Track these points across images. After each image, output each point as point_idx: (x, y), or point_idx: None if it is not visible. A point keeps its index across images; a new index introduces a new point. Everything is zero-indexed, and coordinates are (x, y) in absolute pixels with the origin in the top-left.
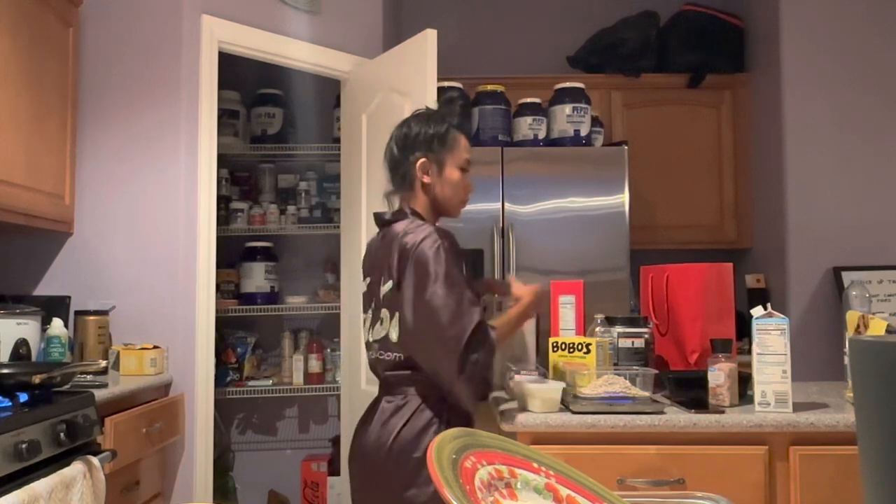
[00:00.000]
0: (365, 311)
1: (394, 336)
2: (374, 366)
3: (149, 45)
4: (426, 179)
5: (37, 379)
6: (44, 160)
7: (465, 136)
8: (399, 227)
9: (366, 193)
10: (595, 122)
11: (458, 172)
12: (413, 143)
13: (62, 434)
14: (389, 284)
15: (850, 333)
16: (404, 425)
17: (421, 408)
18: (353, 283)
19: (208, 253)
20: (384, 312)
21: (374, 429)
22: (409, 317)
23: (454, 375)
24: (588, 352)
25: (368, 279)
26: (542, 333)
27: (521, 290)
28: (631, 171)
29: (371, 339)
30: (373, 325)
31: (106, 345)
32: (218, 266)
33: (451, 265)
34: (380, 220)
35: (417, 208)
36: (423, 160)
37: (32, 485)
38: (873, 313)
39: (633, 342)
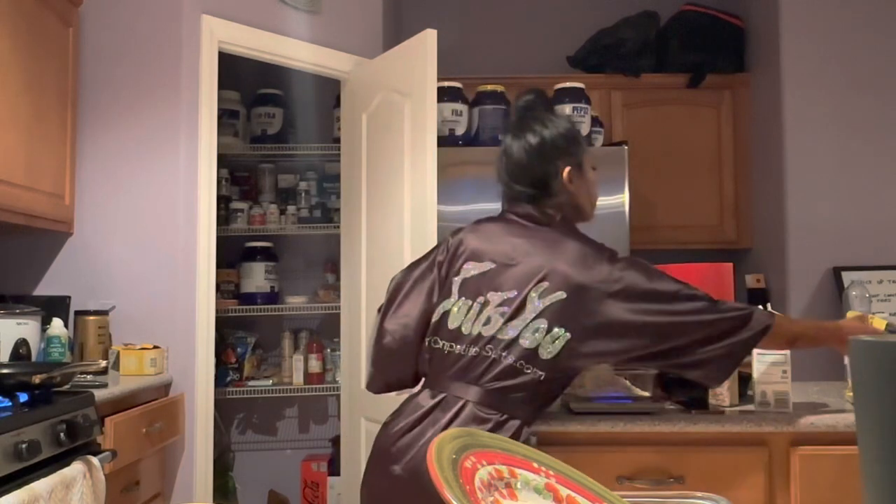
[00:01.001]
0: (468, 298)
1: (546, 352)
2: (472, 365)
3: (149, 45)
4: (572, 188)
5: (37, 379)
6: (44, 160)
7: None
8: (565, 235)
9: (366, 193)
10: (595, 122)
11: (592, 172)
12: (552, 151)
13: (62, 434)
14: (559, 296)
15: None
16: None
17: (518, 432)
18: (353, 282)
19: (208, 253)
20: (539, 322)
21: None
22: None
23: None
24: None
25: (491, 265)
26: None
27: (849, 319)
28: (631, 171)
29: (479, 334)
30: (505, 322)
31: (106, 345)
32: (218, 266)
33: (656, 271)
34: (529, 217)
35: (566, 217)
36: (569, 169)
37: (32, 485)
38: (873, 313)
39: None
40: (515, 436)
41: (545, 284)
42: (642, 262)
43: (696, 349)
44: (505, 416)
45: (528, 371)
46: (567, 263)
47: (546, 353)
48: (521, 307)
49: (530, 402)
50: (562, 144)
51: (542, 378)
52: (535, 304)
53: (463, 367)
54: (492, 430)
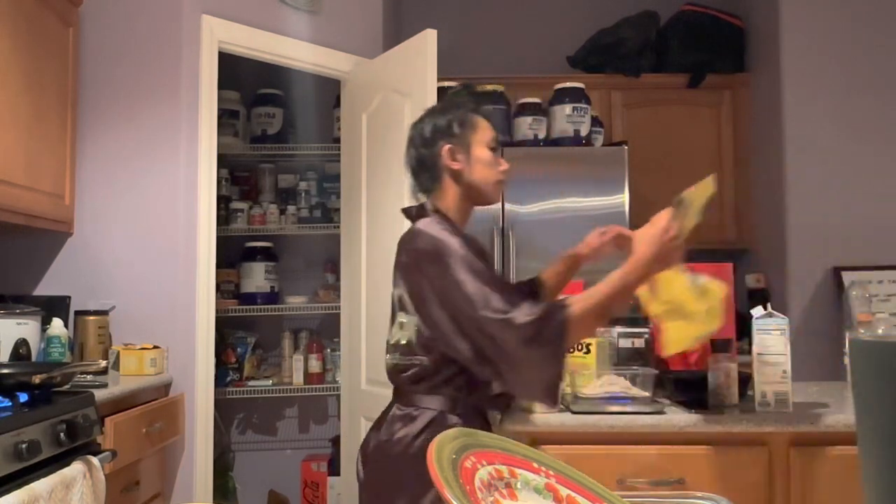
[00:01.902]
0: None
1: (413, 340)
2: (391, 370)
3: (149, 45)
4: (456, 166)
5: (37, 379)
6: (44, 160)
7: (484, 117)
8: (419, 225)
9: (366, 193)
10: (595, 122)
11: (487, 151)
12: (433, 136)
13: (62, 434)
14: (399, 287)
15: None
16: (416, 436)
17: (436, 421)
18: (353, 282)
19: (208, 253)
20: (402, 315)
21: (383, 434)
22: (438, 316)
23: (505, 360)
24: (588, 352)
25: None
26: None
27: (638, 236)
28: (631, 171)
29: (390, 342)
30: (391, 327)
31: (106, 345)
32: (218, 266)
33: (458, 249)
34: (407, 214)
35: (448, 203)
36: (447, 147)
37: (32, 485)
38: (873, 313)
39: (633, 342)
40: (436, 423)
41: (397, 279)
42: (447, 244)
43: (497, 361)
44: (419, 410)
45: (415, 362)
46: (403, 253)
47: (413, 341)
48: (392, 308)
49: (438, 390)
50: (442, 127)
51: (426, 364)
52: (395, 301)
53: (389, 373)
54: (404, 424)
